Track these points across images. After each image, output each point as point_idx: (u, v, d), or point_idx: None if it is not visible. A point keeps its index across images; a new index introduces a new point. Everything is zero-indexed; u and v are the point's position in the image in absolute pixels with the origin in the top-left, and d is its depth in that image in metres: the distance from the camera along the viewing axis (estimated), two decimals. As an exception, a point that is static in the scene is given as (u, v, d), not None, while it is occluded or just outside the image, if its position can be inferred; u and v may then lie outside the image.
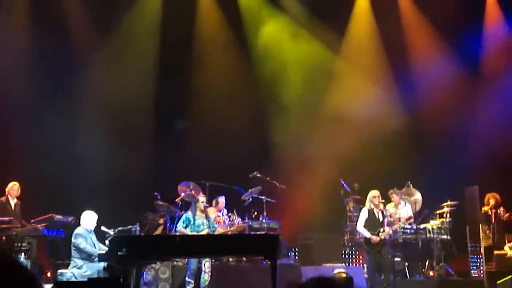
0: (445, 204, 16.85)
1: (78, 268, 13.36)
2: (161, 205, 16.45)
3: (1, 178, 15.52)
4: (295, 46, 20.03)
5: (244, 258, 15.82)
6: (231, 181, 16.99)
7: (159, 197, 16.54)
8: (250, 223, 16.30)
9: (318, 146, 19.01)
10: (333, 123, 18.87)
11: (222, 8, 20.11)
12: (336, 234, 18.07)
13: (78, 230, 13.69)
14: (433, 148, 19.24)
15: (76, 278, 13.11)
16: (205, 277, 14.03)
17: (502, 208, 16.28)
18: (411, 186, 17.56)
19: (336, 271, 15.05)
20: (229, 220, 16.24)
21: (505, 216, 16.30)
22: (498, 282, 14.26)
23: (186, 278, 14.11)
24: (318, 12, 19.82)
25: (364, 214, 14.89)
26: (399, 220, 15.96)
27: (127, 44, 19.23)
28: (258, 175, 17.09)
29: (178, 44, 19.51)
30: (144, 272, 13.59)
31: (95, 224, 13.87)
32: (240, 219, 16.36)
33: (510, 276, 13.94)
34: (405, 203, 16.92)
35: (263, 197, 16.80)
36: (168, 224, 16.32)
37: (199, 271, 14.06)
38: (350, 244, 17.70)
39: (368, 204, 14.92)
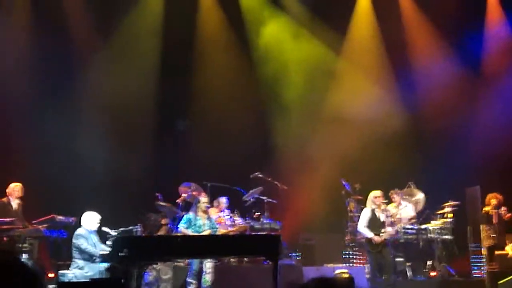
0: (446, 204, 16.84)
1: (80, 268, 13.37)
2: (163, 205, 16.44)
3: (2, 178, 15.51)
4: (297, 46, 20.04)
5: (246, 259, 15.81)
6: (232, 181, 16.98)
7: (160, 197, 16.54)
8: (251, 223, 16.29)
9: (320, 146, 19.01)
10: (334, 123, 18.87)
11: (223, 9, 20.12)
12: (337, 235, 18.05)
13: (79, 231, 13.70)
14: (434, 148, 19.24)
15: (77, 278, 13.12)
16: (207, 277, 14.03)
17: (503, 208, 16.30)
18: (413, 186, 17.55)
19: (337, 271, 15.05)
20: (231, 221, 16.21)
21: (506, 216, 16.32)
22: (500, 282, 14.27)
23: (188, 279, 14.12)
24: (319, 12, 19.83)
25: (365, 215, 14.87)
26: (401, 221, 15.95)
27: (128, 44, 19.22)
28: (260, 175, 17.08)
29: (179, 44, 19.49)
30: (146, 273, 13.60)
31: (98, 225, 13.88)
32: (242, 220, 16.34)
33: (511, 276, 13.94)
34: (406, 204, 16.92)
35: (264, 198, 16.80)
36: (169, 225, 16.32)
37: (200, 271, 14.06)
38: (351, 244, 17.67)
39: (369, 205, 14.90)
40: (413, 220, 16.24)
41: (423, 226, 16.67)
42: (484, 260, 16.39)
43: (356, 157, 18.52)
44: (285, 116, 19.74)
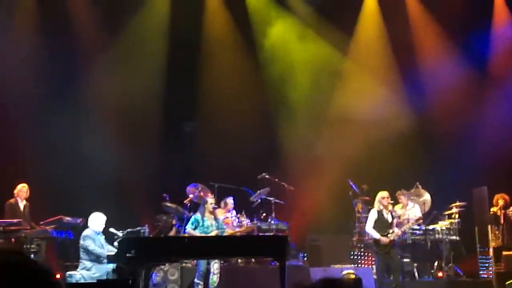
0: (453, 205, 16.83)
1: (87, 269, 13.39)
2: (170, 206, 16.45)
3: (9, 180, 15.54)
4: (303, 47, 20.02)
5: (253, 259, 15.81)
6: (239, 182, 17.00)
7: (167, 198, 16.55)
8: (258, 224, 16.30)
9: (326, 147, 19.00)
10: (341, 124, 18.85)
11: (230, 9, 20.10)
12: (344, 235, 18.05)
13: (86, 232, 13.71)
14: (441, 148, 19.22)
15: (85, 279, 13.14)
16: (214, 278, 14.05)
17: (511, 209, 16.25)
18: (420, 187, 17.54)
19: (345, 272, 15.04)
20: (238, 221, 16.23)
21: (514, 217, 16.29)
22: (507, 283, 14.26)
23: (195, 280, 14.12)
24: (325, 13, 19.81)
25: (373, 215, 14.86)
26: (408, 221, 15.94)
27: (135, 45, 19.23)
28: (267, 176, 17.10)
29: (185, 45, 19.51)
30: (153, 274, 13.60)
31: (104, 226, 13.90)
32: (249, 220, 16.35)
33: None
34: (413, 204, 16.92)
35: (271, 198, 16.81)
36: (176, 226, 16.34)
37: (208, 272, 14.07)
38: (359, 245, 17.66)
39: (377, 205, 14.88)
40: (420, 221, 16.22)
41: (430, 227, 16.66)
42: (491, 260, 16.35)
43: (363, 158, 18.51)
44: (291, 117, 19.73)
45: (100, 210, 14.03)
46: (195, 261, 14.67)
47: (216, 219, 14.42)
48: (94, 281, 12.72)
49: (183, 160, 18.81)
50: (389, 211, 14.84)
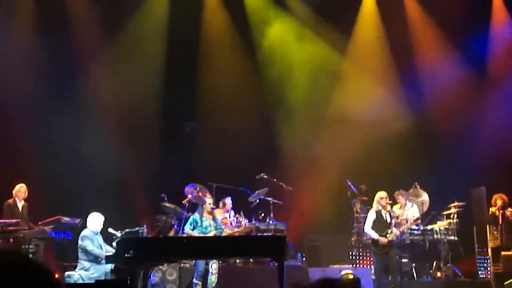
0: (452, 205, 16.82)
1: (85, 270, 13.39)
2: (168, 206, 16.44)
3: (8, 180, 15.53)
4: (301, 47, 20.02)
5: (251, 260, 15.82)
6: (237, 182, 17.00)
7: (165, 198, 16.54)
8: (257, 224, 16.30)
9: (325, 147, 19.00)
10: (339, 124, 18.85)
11: (228, 9, 20.10)
12: (343, 236, 18.05)
13: (84, 232, 13.72)
14: (440, 149, 19.21)
15: (83, 280, 13.15)
16: (212, 278, 14.05)
17: (509, 209, 16.24)
18: (418, 187, 17.54)
19: (343, 272, 15.06)
20: (236, 222, 16.24)
21: (512, 217, 16.29)
22: (506, 283, 14.26)
23: (194, 280, 14.12)
24: (324, 13, 19.81)
25: (371, 216, 14.88)
26: (407, 221, 15.94)
27: (134, 46, 19.22)
28: (265, 176, 17.11)
29: (184, 45, 19.51)
30: (151, 274, 13.60)
31: (102, 226, 13.90)
32: (247, 221, 16.35)
33: (517, 277, 13.94)
34: (412, 204, 16.91)
35: (270, 199, 16.82)
36: (175, 226, 16.33)
37: (206, 272, 14.07)
38: (357, 245, 17.67)
39: (375, 206, 14.91)
40: (419, 221, 16.22)
41: (429, 227, 16.66)
42: (490, 261, 16.35)
43: (361, 158, 18.51)
44: (290, 117, 19.73)
45: (98, 210, 14.03)
46: (194, 261, 14.67)
47: (214, 219, 14.42)
48: (93, 281, 12.71)
49: (182, 160, 18.80)
50: (388, 211, 14.86)
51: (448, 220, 16.76)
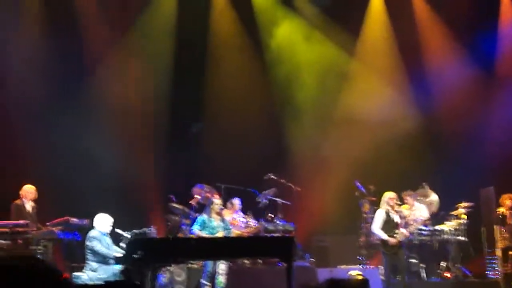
0: (460, 205, 16.77)
1: (94, 271, 13.40)
2: (176, 207, 16.44)
3: (16, 181, 15.54)
4: (309, 48, 20.01)
5: (260, 260, 15.80)
6: (246, 183, 16.98)
7: (174, 199, 16.54)
8: (265, 225, 16.29)
9: (333, 147, 18.97)
10: (347, 125, 18.83)
11: (236, 10, 20.09)
12: (351, 236, 18.00)
13: (92, 233, 13.73)
14: (448, 149, 19.16)
15: (91, 281, 13.15)
16: (221, 279, 14.04)
17: (518, 209, 16.22)
18: (427, 187, 17.49)
19: (351, 273, 15.03)
20: (244, 222, 16.23)
21: (521, 217, 16.24)
22: (515, 283, 14.23)
23: (202, 280, 14.12)
24: (332, 13, 19.79)
25: (380, 216, 14.85)
26: (415, 222, 15.90)
27: (141, 46, 19.23)
28: (273, 177, 17.09)
29: (192, 45, 19.52)
30: (160, 275, 13.61)
31: (111, 227, 13.90)
32: (255, 221, 16.34)
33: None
34: (420, 205, 16.88)
35: (278, 199, 16.80)
36: (182, 225, 16.33)
37: (214, 273, 14.06)
38: (365, 246, 17.63)
39: (384, 206, 14.88)
40: (427, 221, 16.18)
41: (437, 227, 16.62)
42: (498, 261, 16.30)
43: (369, 158, 18.49)
44: (298, 118, 19.72)
45: (106, 211, 14.05)
46: (202, 262, 14.66)
47: (222, 220, 14.43)
48: (101, 282, 12.69)
49: (190, 161, 18.81)
50: (396, 211, 14.83)
51: (457, 221, 16.71)
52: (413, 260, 16.29)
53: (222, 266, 14.07)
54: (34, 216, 14.92)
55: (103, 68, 18.77)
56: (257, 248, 12.05)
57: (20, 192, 14.99)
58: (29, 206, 14.95)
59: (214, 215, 14.23)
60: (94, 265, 13.45)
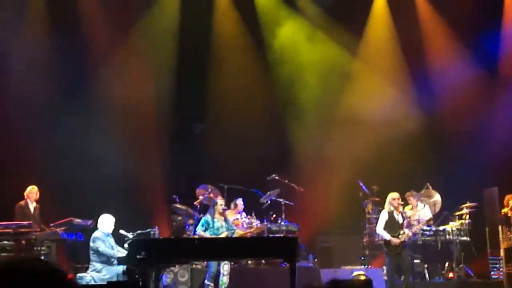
0: (464, 205, 16.75)
1: (97, 271, 13.40)
2: (180, 207, 16.45)
3: (19, 181, 15.56)
4: (312, 48, 19.99)
5: (263, 261, 15.80)
6: (249, 183, 16.99)
7: (177, 200, 16.55)
8: (268, 225, 16.27)
9: (336, 148, 18.95)
10: (350, 125, 18.81)
11: (239, 10, 20.08)
12: (355, 236, 18.02)
13: (96, 234, 13.73)
14: (451, 149, 19.13)
15: (95, 281, 13.16)
16: (224, 279, 14.05)
17: (522, 210, 16.19)
18: (430, 187, 17.48)
19: (355, 273, 15.04)
20: (248, 223, 16.22)
21: (524, 218, 16.21)
22: (519, 284, 14.21)
23: (205, 281, 14.13)
24: (335, 14, 19.77)
25: (383, 216, 14.85)
26: (418, 222, 15.90)
27: (145, 47, 19.25)
28: (276, 177, 17.10)
29: (195, 46, 19.52)
30: (163, 275, 13.61)
31: (113, 227, 13.91)
32: (259, 222, 16.33)
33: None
34: (423, 205, 16.87)
35: (281, 200, 16.80)
36: (186, 226, 16.34)
37: (218, 273, 14.07)
38: (369, 246, 17.62)
39: (387, 206, 14.87)
40: (431, 222, 16.18)
41: (441, 228, 16.60)
42: (502, 261, 16.28)
43: (372, 158, 18.48)
44: (301, 118, 19.70)
45: (110, 211, 14.04)
46: (205, 262, 14.66)
47: (226, 220, 14.42)
48: (104, 282, 12.71)
49: (193, 161, 18.80)
50: (400, 212, 14.83)
51: (460, 221, 16.70)
52: (417, 261, 16.29)
53: (225, 267, 14.07)
54: (38, 217, 14.95)
55: (106, 68, 18.78)
56: (261, 248, 12.06)
57: (24, 193, 15.01)
58: (32, 207, 14.98)
59: (217, 216, 14.23)
60: (98, 265, 13.45)
